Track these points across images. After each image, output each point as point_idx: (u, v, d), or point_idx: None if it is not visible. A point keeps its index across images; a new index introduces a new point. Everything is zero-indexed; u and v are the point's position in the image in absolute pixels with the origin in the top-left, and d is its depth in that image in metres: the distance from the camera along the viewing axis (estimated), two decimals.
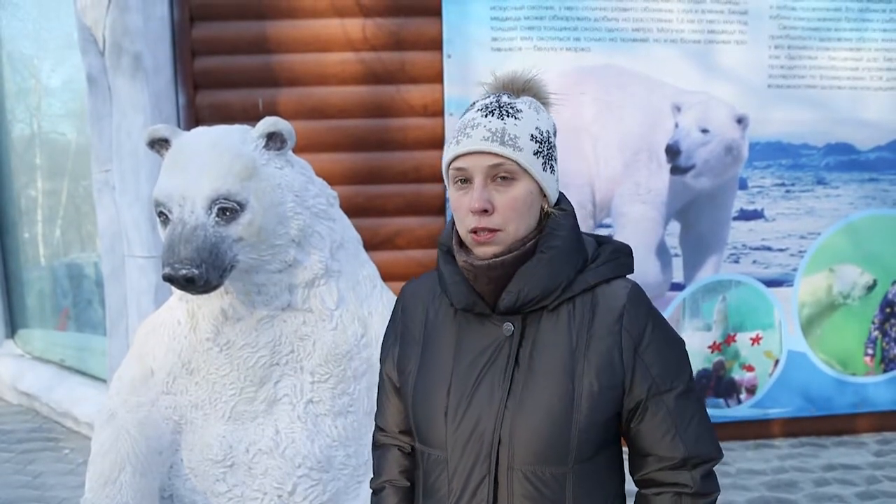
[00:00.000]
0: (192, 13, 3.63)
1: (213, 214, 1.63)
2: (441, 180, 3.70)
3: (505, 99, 1.17)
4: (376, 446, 1.37)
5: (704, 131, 3.81)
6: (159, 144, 1.76)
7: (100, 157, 3.88)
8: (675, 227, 3.91)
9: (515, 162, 1.12)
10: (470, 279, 1.17)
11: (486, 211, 1.12)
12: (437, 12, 3.62)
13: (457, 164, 1.15)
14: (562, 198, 1.22)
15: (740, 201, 3.92)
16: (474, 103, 1.19)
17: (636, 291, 1.20)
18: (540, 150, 1.15)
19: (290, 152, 1.82)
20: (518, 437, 1.12)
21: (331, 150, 3.67)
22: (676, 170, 3.83)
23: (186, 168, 1.66)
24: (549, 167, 1.17)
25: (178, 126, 3.56)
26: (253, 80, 3.66)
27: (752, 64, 3.80)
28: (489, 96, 1.19)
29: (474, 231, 1.13)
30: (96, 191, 3.96)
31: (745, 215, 3.93)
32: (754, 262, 3.96)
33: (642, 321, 1.17)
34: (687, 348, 1.23)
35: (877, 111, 3.92)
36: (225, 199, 1.63)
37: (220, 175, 1.64)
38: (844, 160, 3.95)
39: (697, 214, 3.90)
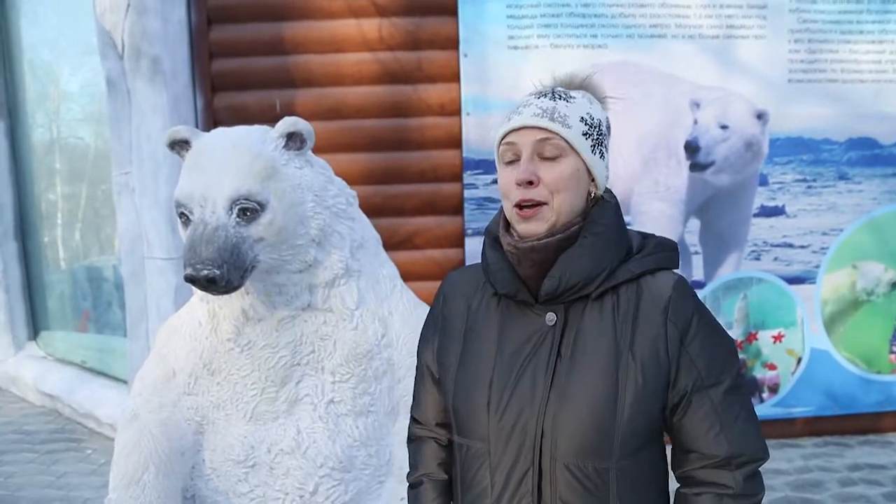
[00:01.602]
0: (210, 16, 3.66)
1: (234, 215, 1.63)
2: (459, 179, 3.70)
3: (560, 88, 1.20)
4: (412, 439, 1.36)
5: (724, 127, 3.77)
6: (179, 146, 1.77)
7: (119, 160, 3.91)
8: (694, 224, 3.87)
9: (563, 138, 1.14)
10: (514, 263, 1.16)
11: (531, 183, 1.13)
12: (452, 11, 3.61)
13: (507, 139, 1.17)
14: (607, 189, 1.22)
15: (761, 198, 3.87)
16: (532, 91, 1.22)
17: (682, 283, 1.18)
18: (589, 132, 1.16)
19: (310, 152, 1.82)
20: (561, 429, 1.11)
21: (348, 150, 3.68)
22: (696, 167, 3.79)
23: (207, 169, 1.66)
24: (598, 152, 1.18)
25: (197, 128, 3.58)
26: (270, 82, 3.67)
27: (772, 58, 3.75)
28: (546, 86, 1.21)
29: (519, 206, 1.14)
30: (116, 193, 3.99)
31: (766, 212, 3.88)
32: (776, 259, 3.92)
33: (689, 312, 1.15)
34: None
35: None
36: (245, 199, 1.63)
37: (240, 175, 1.64)
38: (867, 155, 3.89)
39: (717, 211, 3.86)
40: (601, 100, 1.23)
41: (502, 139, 1.18)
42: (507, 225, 1.20)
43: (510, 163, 1.16)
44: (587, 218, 1.16)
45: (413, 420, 1.37)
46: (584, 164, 1.16)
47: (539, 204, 1.13)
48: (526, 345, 1.16)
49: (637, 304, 1.15)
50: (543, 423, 1.12)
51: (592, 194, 1.18)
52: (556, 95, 1.17)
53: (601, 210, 1.17)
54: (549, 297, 1.15)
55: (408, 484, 1.35)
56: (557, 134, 1.13)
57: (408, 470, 1.38)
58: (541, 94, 1.18)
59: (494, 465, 1.15)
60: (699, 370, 1.14)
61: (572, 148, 1.14)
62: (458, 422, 1.21)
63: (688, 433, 1.16)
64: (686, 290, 1.18)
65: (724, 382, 1.15)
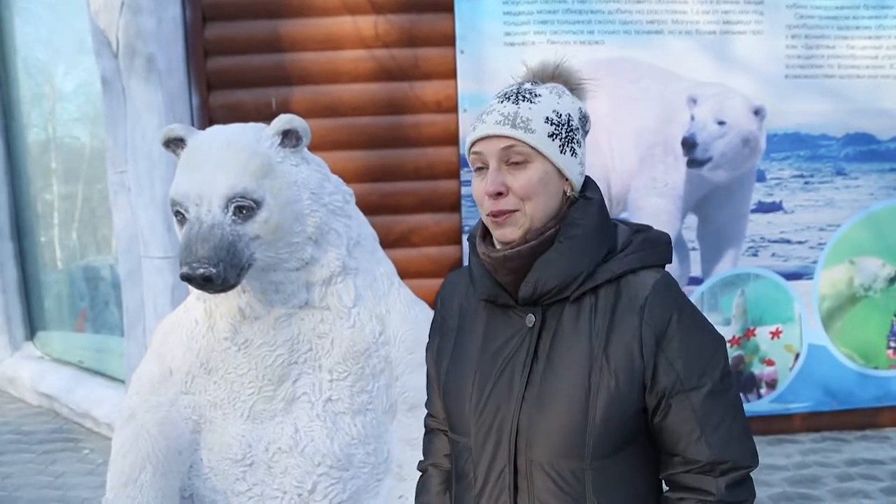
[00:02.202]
0: (205, 13, 3.64)
1: (230, 213, 1.63)
2: (456, 176, 3.69)
3: (526, 86, 1.16)
4: (427, 430, 1.41)
5: (721, 123, 3.77)
6: (175, 144, 1.76)
7: (115, 159, 3.90)
8: (692, 220, 3.87)
9: (527, 144, 1.11)
10: (491, 270, 1.17)
11: (500, 194, 1.12)
12: (449, 8, 3.61)
13: (474, 148, 1.16)
14: (590, 184, 1.20)
15: (758, 194, 3.87)
16: (499, 93, 1.19)
17: (664, 282, 1.14)
18: (557, 132, 1.13)
19: (306, 150, 1.81)
20: (535, 430, 1.12)
21: (344, 147, 3.66)
22: (693, 163, 3.79)
23: (202, 167, 1.65)
24: (568, 150, 1.14)
25: (192, 126, 3.57)
26: (266, 80, 3.66)
27: (769, 54, 3.75)
28: (513, 85, 1.18)
29: (490, 213, 1.14)
30: (112, 192, 3.98)
31: (764, 208, 3.88)
32: (773, 255, 3.92)
33: (666, 313, 1.11)
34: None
35: None
36: (241, 197, 1.62)
37: (235, 173, 1.63)
38: (864, 150, 3.89)
39: (715, 208, 3.86)
40: (576, 87, 1.20)
41: (470, 148, 1.17)
42: (484, 232, 1.21)
43: (480, 171, 1.15)
44: (564, 219, 1.14)
45: (427, 413, 1.41)
46: (553, 165, 1.13)
47: (512, 211, 1.13)
48: (506, 345, 1.17)
49: (614, 305, 1.12)
50: (518, 424, 1.13)
51: (567, 194, 1.16)
52: (520, 97, 1.14)
53: (580, 210, 1.15)
54: (527, 302, 1.15)
55: (418, 472, 1.41)
56: (521, 140, 1.11)
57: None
58: (504, 98, 1.15)
59: (476, 461, 1.18)
60: (677, 372, 1.10)
61: (538, 152, 1.11)
62: (448, 417, 1.25)
63: (668, 437, 1.13)
64: (667, 289, 1.13)
65: (706, 386, 1.11)
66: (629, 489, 1.15)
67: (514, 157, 1.12)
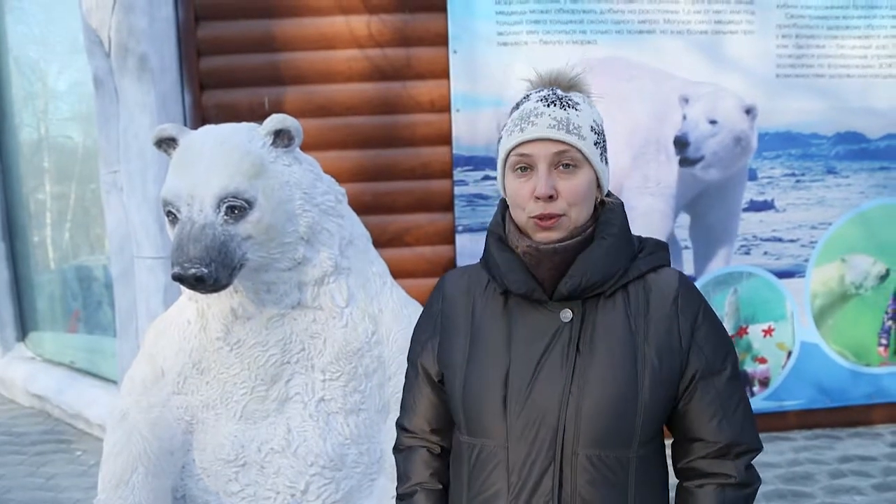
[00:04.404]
0: (197, 13, 3.63)
1: (222, 213, 1.62)
2: (449, 176, 3.69)
3: (560, 92, 1.21)
4: (400, 449, 1.33)
5: (713, 122, 3.78)
6: (167, 144, 1.76)
7: (107, 159, 3.89)
8: (684, 219, 3.88)
9: (580, 150, 1.16)
10: (531, 264, 1.18)
11: (551, 197, 1.14)
12: (441, 8, 3.61)
13: (521, 150, 1.17)
14: (608, 192, 1.26)
15: (750, 192, 3.89)
16: (529, 95, 1.22)
17: (685, 277, 1.25)
18: (598, 140, 1.19)
19: (298, 149, 1.81)
20: (583, 421, 1.14)
21: (338, 147, 3.67)
22: (685, 162, 3.80)
23: (194, 167, 1.65)
24: (604, 158, 1.21)
25: (185, 126, 3.56)
26: (259, 79, 3.66)
27: (760, 54, 3.77)
28: (544, 89, 1.22)
29: (538, 217, 1.15)
30: (104, 192, 3.96)
31: (756, 206, 3.90)
32: (765, 253, 3.93)
33: (696, 304, 1.21)
34: None
35: (887, 99, 3.89)
36: (233, 197, 1.62)
37: (227, 173, 1.63)
38: (855, 149, 3.91)
39: (707, 206, 3.87)
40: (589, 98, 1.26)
41: (514, 148, 1.18)
42: (516, 226, 1.21)
43: (521, 172, 1.17)
44: (600, 219, 1.20)
45: (402, 429, 1.34)
46: (595, 173, 1.19)
47: (558, 216, 1.16)
48: (540, 341, 1.17)
49: (647, 298, 1.20)
50: (566, 417, 1.14)
51: (598, 199, 1.22)
52: (565, 103, 1.17)
53: (612, 212, 1.21)
54: (567, 296, 1.17)
55: (397, 495, 1.32)
56: (574, 146, 1.15)
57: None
58: (548, 102, 1.17)
59: (512, 464, 1.16)
60: (706, 356, 1.19)
61: (587, 159, 1.17)
62: (469, 422, 1.20)
63: (692, 420, 1.20)
64: (690, 283, 1.25)
65: (727, 370, 1.20)
66: (659, 478, 1.22)
67: (566, 160, 1.15)
